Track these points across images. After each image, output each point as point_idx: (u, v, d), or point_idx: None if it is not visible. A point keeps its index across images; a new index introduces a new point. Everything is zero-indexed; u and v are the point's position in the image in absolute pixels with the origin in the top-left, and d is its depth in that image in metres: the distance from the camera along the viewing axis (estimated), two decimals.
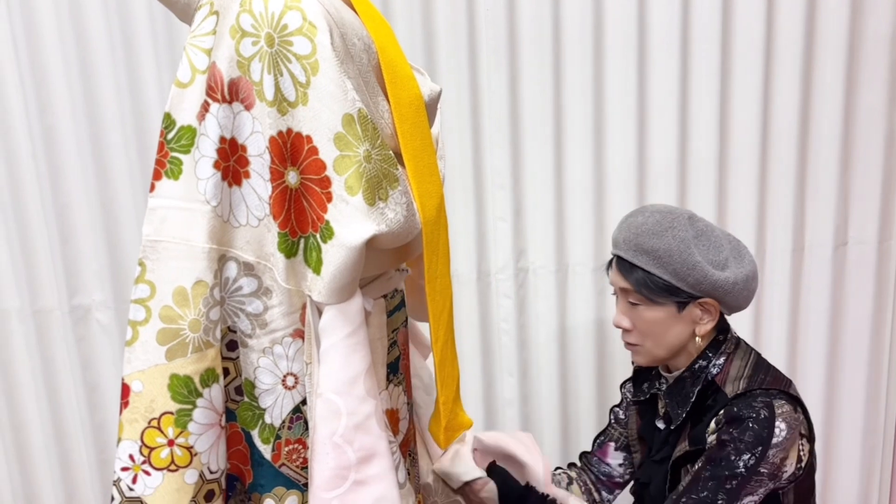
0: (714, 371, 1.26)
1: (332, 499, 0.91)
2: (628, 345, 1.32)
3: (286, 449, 0.96)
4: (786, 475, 1.20)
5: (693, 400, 1.26)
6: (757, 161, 1.91)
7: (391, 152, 0.89)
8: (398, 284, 1.08)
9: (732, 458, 1.16)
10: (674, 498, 1.21)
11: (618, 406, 1.52)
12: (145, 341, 0.88)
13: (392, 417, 1.05)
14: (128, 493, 0.90)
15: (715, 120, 1.87)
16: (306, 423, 0.95)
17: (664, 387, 1.35)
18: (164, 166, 0.88)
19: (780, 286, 2.00)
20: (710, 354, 1.27)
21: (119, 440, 0.89)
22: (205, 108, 0.86)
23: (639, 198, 1.89)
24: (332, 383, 0.89)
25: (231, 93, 0.86)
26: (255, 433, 0.96)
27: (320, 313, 0.90)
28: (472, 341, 1.92)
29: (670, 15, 1.82)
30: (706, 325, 1.26)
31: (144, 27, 1.69)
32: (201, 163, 0.86)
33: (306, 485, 0.96)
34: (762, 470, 1.16)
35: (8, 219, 1.71)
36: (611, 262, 1.32)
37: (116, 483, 0.90)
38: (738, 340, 1.31)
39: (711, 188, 1.91)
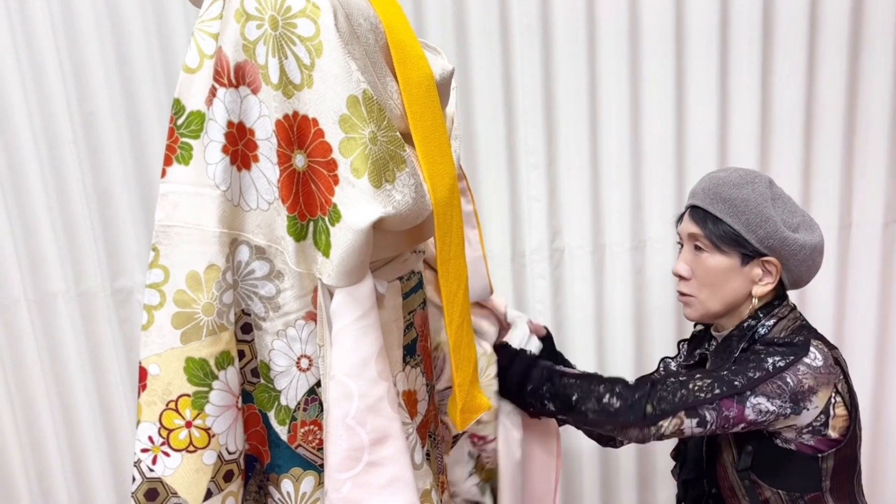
0: (762, 331, 1.26)
1: (346, 479, 0.91)
2: (682, 296, 1.32)
3: (302, 430, 0.97)
4: (806, 416, 1.16)
5: (736, 356, 1.25)
6: (801, 137, 1.85)
7: (398, 133, 0.88)
8: (414, 266, 1.07)
9: (762, 356, 1.17)
10: (689, 372, 1.20)
11: (671, 358, 1.51)
12: (161, 325, 0.89)
13: (410, 399, 1.05)
14: (148, 474, 0.91)
15: (756, 97, 1.82)
16: (321, 404, 0.95)
17: (712, 347, 1.34)
18: (175, 152, 0.88)
19: (825, 265, 1.93)
20: (761, 315, 1.27)
21: (138, 422, 0.91)
22: (212, 92, 0.86)
23: (676, 177, 1.85)
24: (344, 366, 0.89)
25: (237, 77, 0.86)
26: (271, 415, 0.97)
27: (332, 296, 0.90)
28: None
29: None
30: (764, 287, 1.25)
31: (178, 13, 1.71)
32: (210, 147, 0.87)
33: (323, 466, 0.97)
34: (788, 379, 1.14)
35: (52, 204, 1.76)
36: (682, 214, 1.33)
37: (137, 464, 0.91)
38: (794, 308, 1.30)
39: (753, 167, 1.85)
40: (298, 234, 0.89)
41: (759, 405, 1.13)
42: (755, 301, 1.26)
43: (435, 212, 0.93)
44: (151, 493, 0.91)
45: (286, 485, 0.99)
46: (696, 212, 1.27)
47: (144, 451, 0.91)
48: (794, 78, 1.82)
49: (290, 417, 0.97)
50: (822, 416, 1.18)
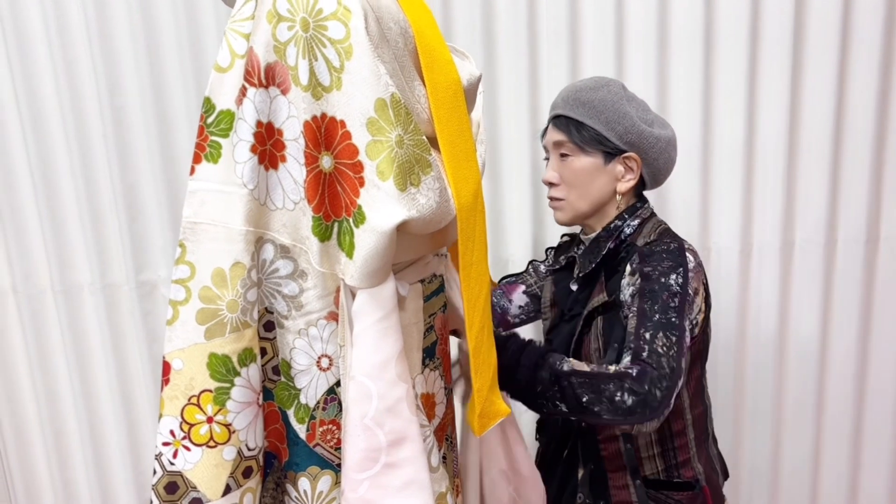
0: (627, 231, 1.32)
1: (362, 480, 0.91)
2: (553, 201, 1.38)
3: (320, 429, 0.97)
4: (694, 316, 1.23)
5: (605, 253, 1.32)
6: (829, 150, 1.84)
7: (424, 137, 0.88)
8: (436, 269, 1.07)
9: (663, 280, 1.21)
10: (628, 338, 1.20)
11: (539, 262, 1.59)
12: (185, 321, 0.90)
13: (428, 402, 1.05)
14: (169, 468, 0.92)
15: (785, 106, 1.81)
16: (340, 404, 0.96)
17: (581, 251, 1.39)
18: (204, 150, 0.89)
19: (852, 279, 1.92)
20: (626, 216, 1.33)
21: (160, 416, 0.92)
22: (242, 92, 0.87)
23: (702, 183, 1.84)
24: (364, 366, 0.89)
25: (268, 77, 0.87)
26: (290, 413, 0.98)
27: (354, 297, 0.90)
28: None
29: (739, 1, 1.76)
30: (628, 183, 1.31)
31: (209, 11, 1.73)
32: (239, 147, 0.88)
33: (340, 465, 0.97)
34: (689, 290, 1.21)
35: (80, 197, 1.79)
36: (545, 129, 1.38)
37: (158, 457, 0.92)
38: (654, 212, 1.37)
39: (779, 176, 1.84)
40: (323, 235, 0.90)
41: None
42: (618, 198, 1.32)
43: (458, 216, 0.93)
44: (171, 487, 0.92)
45: (303, 483, 0.99)
46: (559, 120, 1.33)
47: (166, 444, 0.92)
48: (824, 88, 1.81)
49: (310, 416, 0.97)
50: (701, 312, 1.26)
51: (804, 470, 2.05)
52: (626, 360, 1.17)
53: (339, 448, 0.97)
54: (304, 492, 0.99)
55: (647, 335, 1.18)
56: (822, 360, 1.98)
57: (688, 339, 1.19)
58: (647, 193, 1.39)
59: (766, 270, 1.92)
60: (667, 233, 1.31)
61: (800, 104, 1.83)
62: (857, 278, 1.92)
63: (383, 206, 0.85)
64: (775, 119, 1.82)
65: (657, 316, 1.19)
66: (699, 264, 1.27)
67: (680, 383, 1.16)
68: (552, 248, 1.57)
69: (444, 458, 1.08)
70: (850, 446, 2.04)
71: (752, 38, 1.78)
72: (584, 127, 1.28)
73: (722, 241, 1.90)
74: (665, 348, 1.17)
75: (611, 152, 1.29)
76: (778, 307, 1.93)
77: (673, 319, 1.18)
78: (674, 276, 1.21)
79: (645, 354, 1.16)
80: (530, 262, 1.61)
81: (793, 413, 2.02)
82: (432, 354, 1.07)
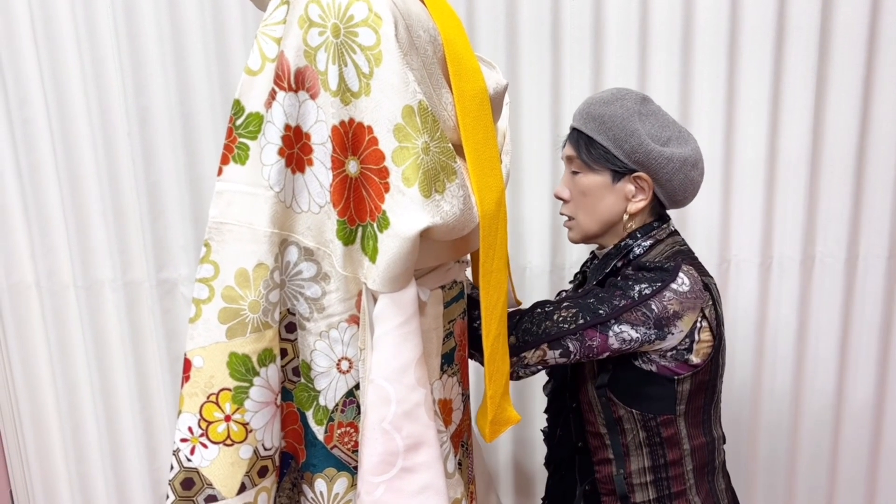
0: (637, 251, 1.25)
1: (379, 483, 0.92)
2: (565, 220, 1.34)
3: (338, 431, 0.98)
4: (671, 340, 1.16)
5: (608, 271, 1.26)
6: (852, 164, 1.83)
7: (450, 145, 0.89)
8: (457, 276, 1.08)
9: (630, 283, 1.17)
10: (559, 299, 1.20)
11: (566, 291, 1.52)
12: (207, 319, 0.91)
13: (445, 408, 1.06)
14: (186, 464, 0.93)
15: (808, 121, 1.80)
16: (359, 407, 0.97)
17: (593, 266, 1.35)
18: (232, 151, 0.90)
19: (873, 294, 1.91)
20: (639, 235, 1.26)
21: (179, 412, 0.93)
22: (272, 95, 0.88)
23: (723, 195, 1.84)
24: (384, 371, 0.90)
25: (297, 82, 0.88)
26: (309, 414, 0.99)
27: (375, 301, 0.91)
28: None
29: (764, 12, 1.76)
30: (638, 203, 1.24)
31: (236, 14, 1.74)
32: (267, 149, 0.89)
33: (357, 468, 0.98)
34: (653, 307, 1.14)
35: (104, 194, 1.80)
36: (565, 140, 1.33)
37: (176, 453, 0.94)
38: (674, 233, 1.29)
39: (801, 189, 1.84)
40: (347, 239, 0.91)
41: (622, 333, 1.14)
42: (625, 217, 1.25)
43: (481, 224, 0.94)
44: (188, 483, 0.93)
45: (320, 484, 1.00)
46: (573, 134, 1.28)
47: (184, 440, 0.93)
48: (848, 101, 1.80)
49: (328, 418, 0.98)
50: (687, 339, 1.17)
51: (820, 479, 2.04)
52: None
53: (357, 451, 0.98)
54: (321, 493, 1.00)
55: (564, 304, 1.18)
56: (840, 374, 1.96)
57: (611, 341, 1.14)
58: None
59: (786, 284, 1.91)
60: (678, 254, 1.23)
61: (823, 117, 1.83)
62: (878, 294, 1.90)
63: (407, 211, 0.86)
64: (798, 132, 1.82)
65: (591, 299, 1.17)
66: (699, 290, 1.17)
67: (549, 354, 1.15)
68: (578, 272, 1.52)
69: (459, 464, 1.09)
70: (868, 460, 2.03)
71: (777, 52, 1.77)
72: (593, 143, 1.23)
73: (742, 253, 1.89)
74: (559, 318, 1.16)
75: (619, 171, 1.22)
76: (797, 321, 1.92)
77: (600, 311, 1.14)
78: (643, 286, 1.15)
79: (536, 311, 1.18)
80: (558, 294, 1.51)
81: (809, 428, 2.01)
82: (451, 360, 1.07)
